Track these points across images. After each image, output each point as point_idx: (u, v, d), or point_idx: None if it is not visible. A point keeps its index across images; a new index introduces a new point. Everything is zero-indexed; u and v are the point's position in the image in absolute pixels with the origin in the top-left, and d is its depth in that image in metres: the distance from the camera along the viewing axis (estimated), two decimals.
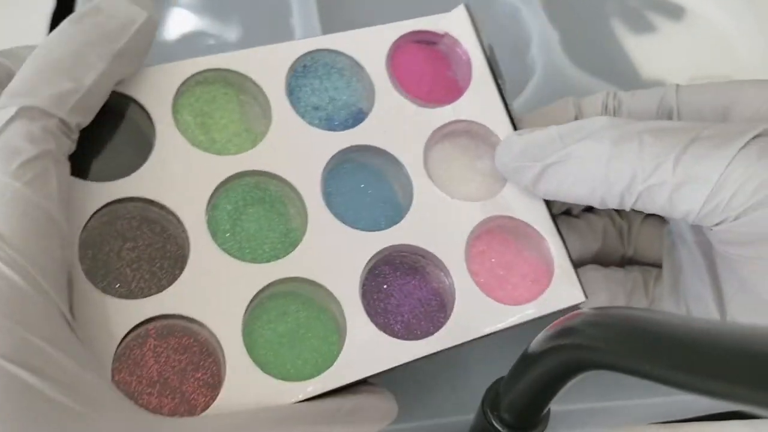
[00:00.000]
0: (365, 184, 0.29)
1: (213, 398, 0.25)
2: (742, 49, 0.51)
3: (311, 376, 0.26)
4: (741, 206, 0.25)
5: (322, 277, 0.27)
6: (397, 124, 0.30)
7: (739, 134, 0.25)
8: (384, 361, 0.26)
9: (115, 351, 0.24)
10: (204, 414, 0.24)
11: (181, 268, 0.26)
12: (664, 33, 0.51)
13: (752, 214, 0.25)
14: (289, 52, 0.30)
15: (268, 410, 0.24)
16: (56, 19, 0.45)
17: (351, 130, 0.29)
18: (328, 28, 0.43)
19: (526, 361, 0.22)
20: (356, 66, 0.31)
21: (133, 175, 0.26)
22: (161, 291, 0.25)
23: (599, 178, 0.27)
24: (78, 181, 0.26)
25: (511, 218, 0.30)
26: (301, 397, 0.25)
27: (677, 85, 0.31)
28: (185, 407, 0.25)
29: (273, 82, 0.29)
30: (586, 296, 0.29)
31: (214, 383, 0.25)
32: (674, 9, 0.53)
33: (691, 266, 0.31)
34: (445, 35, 0.32)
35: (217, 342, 0.25)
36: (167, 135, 0.27)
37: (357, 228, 0.28)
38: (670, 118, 0.31)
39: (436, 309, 0.28)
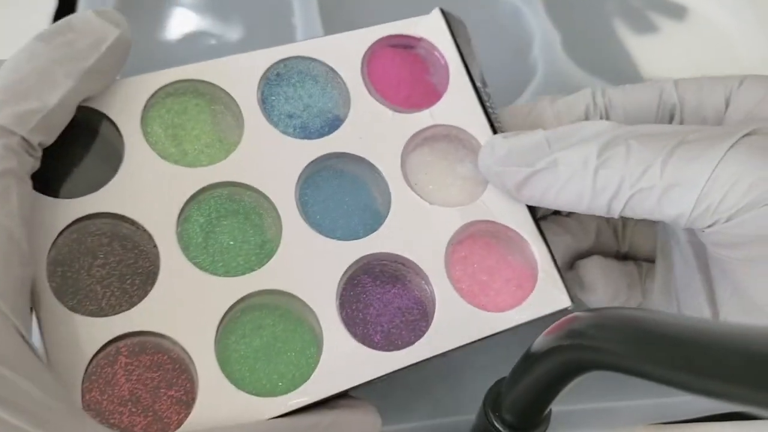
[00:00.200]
0: (342, 192, 0.29)
1: (186, 416, 0.24)
2: (743, 49, 0.50)
3: (288, 390, 0.25)
4: (732, 208, 0.24)
5: (298, 289, 0.27)
6: (373, 130, 0.30)
7: (728, 135, 0.25)
8: (363, 374, 0.26)
9: (86, 370, 0.24)
10: None
11: (153, 284, 0.26)
12: (665, 33, 0.51)
13: (744, 215, 0.24)
14: (262, 60, 0.30)
15: (242, 427, 0.24)
16: (58, 19, 0.45)
17: (326, 138, 0.29)
18: (329, 27, 0.43)
19: (528, 361, 0.22)
20: (331, 72, 0.30)
21: (102, 190, 0.26)
22: (132, 307, 0.25)
23: (586, 186, 0.27)
24: (46, 199, 0.25)
25: (492, 222, 0.29)
26: (278, 412, 0.25)
27: (674, 81, 0.30)
28: (158, 426, 0.24)
29: (245, 91, 0.29)
30: (573, 301, 0.28)
31: (187, 400, 0.25)
32: (676, 9, 0.52)
33: (683, 265, 0.30)
34: (422, 39, 0.32)
35: (190, 358, 0.25)
36: (136, 148, 0.27)
37: (334, 237, 0.28)
38: (672, 115, 0.30)
39: (418, 318, 0.28)
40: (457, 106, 0.31)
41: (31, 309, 0.24)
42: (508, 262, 0.29)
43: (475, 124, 0.31)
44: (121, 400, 0.24)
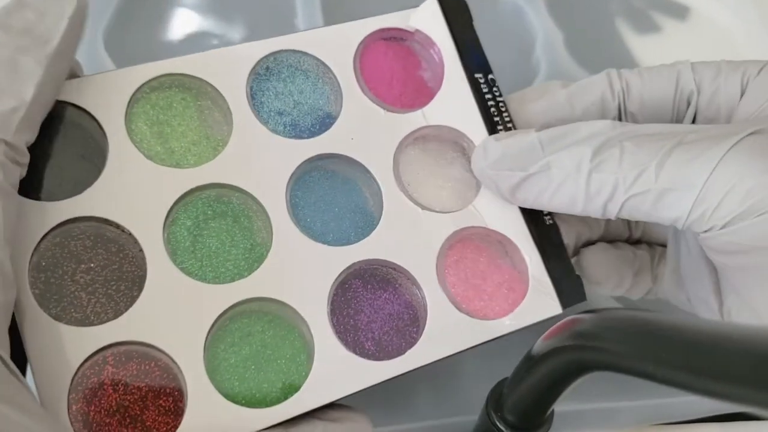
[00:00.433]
0: (333, 194, 0.29)
1: (176, 426, 0.24)
2: (746, 48, 0.51)
3: (278, 400, 0.25)
4: (728, 215, 0.24)
5: (288, 297, 0.26)
6: (366, 130, 0.29)
7: (728, 136, 0.25)
8: (354, 383, 0.26)
9: (72, 380, 0.24)
10: None
11: (140, 290, 0.25)
12: (668, 33, 0.51)
13: (739, 223, 0.24)
14: (251, 53, 0.29)
15: None
16: None
17: (317, 138, 0.28)
18: None
19: (530, 362, 0.23)
20: (322, 67, 0.30)
21: (85, 192, 0.26)
22: (118, 315, 0.25)
23: (580, 190, 0.26)
24: (28, 202, 0.25)
25: (484, 228, 0.29)
26: (268, 423, 0.25)
27: (691, 65, 0.30)
28: None
29: (233, 86, 0.28)
30: (564, 308, 0.29)
31: (176, 410, 0.25)
32: (679, 9, 0.52)
33: (689, 256, 0.30)
34: (416, 32, 0.31)
35: (178, 368, 0.25)
36: (121, 148, 0.26)
37: (325, 242, 0.28)
38: (689, 102, 0.30)
39: (409, 323, 0.28)
40: (451, 104, 0.30)
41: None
42: (498, 265, 0.29)
43: (470, 122, 0.30)
44: (109, 410, 0.24)
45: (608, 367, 0.19)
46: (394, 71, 0.31)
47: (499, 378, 0.27)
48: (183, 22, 0.45)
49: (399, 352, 0.27)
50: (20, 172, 0.23)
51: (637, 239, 0.35)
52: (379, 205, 0.29)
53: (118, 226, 0.26)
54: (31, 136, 0.24)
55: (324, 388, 0.26)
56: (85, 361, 0.24)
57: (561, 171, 0.27)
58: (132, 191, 0.26)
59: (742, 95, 0.29)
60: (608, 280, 0.32)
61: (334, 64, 0.30)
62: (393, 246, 0.28)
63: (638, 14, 0.51)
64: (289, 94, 0.29)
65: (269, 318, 0.27)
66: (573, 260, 0.32)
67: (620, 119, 0.31)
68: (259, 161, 0.28)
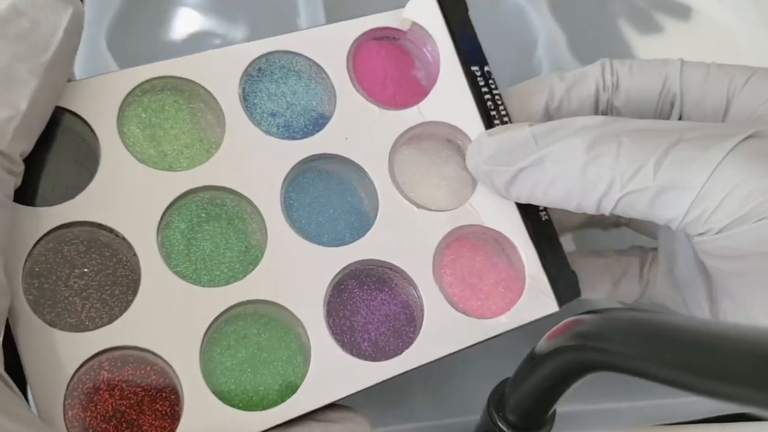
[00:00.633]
0: (328, 194, 0.29)
1: (172, 430, 0.25)
2: (748, 49, 0.51)
3: (275, 403, 0.26)
4: (726, 219, 0.24)
5: (283, 299, 0.27)
6: (360, 129, 0.29)
7: (728, 136, 0.24)
8: (351, 384, 0.26)
9: (67, 386, 0.24)
10: None
11: (134, 294, 0.25)
12: (670, 33, 0.51)
13: (738, 227, 0.24)
14: (243, 54, 0.29)
15: None
16: None
17: (311, 138, 0.29)
18: None
19: (532, 362, 0.23)
20: (315, 67, 0.30)
21: (78, 197, 0.26)
22: (113, 320, 0.25)
23: (575, 184, 0.26)
24: (21, 207, 0.25)
25: (479, 226, 0.29)
26: (265, 426, 0.25)
27: (681, 65, 0.30)
28: None
29: (226, 88, 0.28)
30: (560, 305, 0.29)
31: (173, 414, 0.25)
32: (681, 9, 0.53)
33: (683, 259, 0.30)
34: (409, 31, 0.31)
35: (174, 372, 0.25)
36: (113, 152, 0.26)
37: (320, 243, 0.28)
38: (672, 104, 0.30)
39: (405, 323, 0.28)
40: (448, 98, 0.30)
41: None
42: (494, 263, 0.29)
43: (466, 117, 0.30)
44: (105, 416, 0.24)
45: (610, 367, 0.19)
46: (388, 71, 0.31)
47: (500, 378, 0.27)
48: (185, 22, 0.45)
49: (396, 352, 0.27)
50: (15, 182, 0.23)
51: (625, 223, 0.34)
52: (374, 204, 0.29)
53: (111, 230, 0.26)
54: (27, 146, 0.24)
55: (321, 390, 0.26)
56: (81, 366, 0.24)
57: (555, 165, 0.26)
58: (125, 195, 0.26)
59: (728, 105, 0.29)
60: (587, 293, 0.32)
61: (326, 64, 0.30)
62: (389, 246, 0.28)
63: (640, 14, 0.52)
64: (282, 95, 0.29)
65: (265, 320, 0.27)
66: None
67: (607, 113, 0.31)
68: (253, 163, 0.28)
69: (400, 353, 0.27)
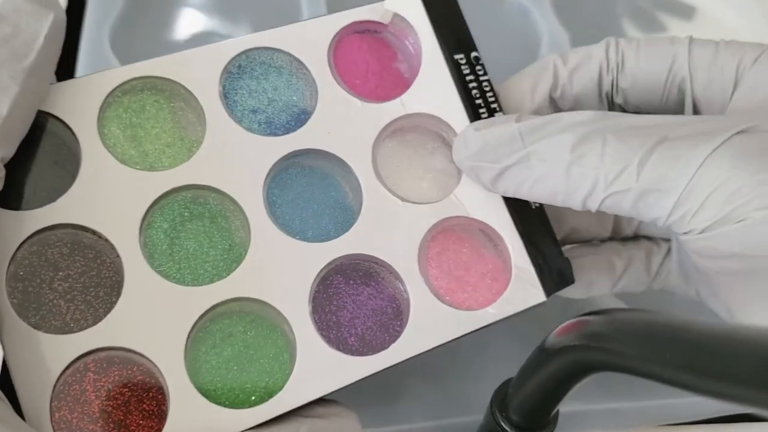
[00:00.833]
0: (311, 190, 0.29)
1: (159, 430, 0.25)
2: None
3: (262, 400, 0.26)
4: (708, 220, 0.24)
5: (268, 295, 0.27)
6: (343, 123, 0.29)
7: (716, 133, 0.24)
8: (338, 380, 0.27)
9: (53, 388, 0.24)
10: None
11: (118, 295, 0.26)
12: (674, 33, 0.51)
13: (717, 230, 0.24)
14: (222, 52, 0.29)
15: None
16: (68, 19, 0.45)
17: (293, 134, 0.29)
18: None
19: (535, 362, 0.23)
20: (296, 63, 0.30)
21: (60, 200, 0.26)
22: (97, 322, 0.25)
23: (560, 184, 0.26)
24: (3, 212, 0.25)
25: (465, 217, 0.29)
26: (251, 423, 0.25)
27: (690, 43, 0.29)
28: None
29: (206, 86, 0.28)
30: (550, 293, 0.29)
31: (159, 414, 0.25)
32: (684, 9, 0.53)
33: (685, 249, 0.30)
34: (390, 24, 0.31)
35: (160, 372, 0.25)
36: (94, 153, 0.27)
37: (305, 239, 0.28)
38: (680, 86, 0.30)
39: (392, 317, 0.28)
40: (430, 91, 0.30)
41: None
42: (481, 255, 0.30)
43: (450, 107, 0.30)
44: (92, 417, 0.25)
45: (614, 367, 0.19)
46: (369, 64, 0.31)
47: (503, 378, 0.27)
48: (189, 22, 0.46)
49: (383, 346, 0.27)
50: None
51: (631, 236, 0.34)
52: (358, 199, 0.29)
53: (94, 232, 0.26)
54: (8, 151, 0.24)
55: (307, 386, 0.26)
56: (66, 368, 0.25)
57: (540, 163, 0.26)
58: (107, 196, 0.26)
59: (735, 87, 0.28)
60: (581, 289, 0.32)
61: (307, 59, 0.30)
62: (374, 240, 0.28)
63: (644, 14, 0.52)
64: (263, 91, 0.29)
65: (251, 318, 0.27)
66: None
67: (612, 94, 0.31)
68: (235, 160, 0.28)
69: (387, 347, 0.27)
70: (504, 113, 0.31)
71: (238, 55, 0.29)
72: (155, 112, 0.28)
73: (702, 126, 0.25)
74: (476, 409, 0.30)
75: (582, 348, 0.20)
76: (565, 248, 0.32)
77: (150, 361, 0.25)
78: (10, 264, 0.25)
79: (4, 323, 0.24)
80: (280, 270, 0.27)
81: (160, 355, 0.25)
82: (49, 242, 0.26)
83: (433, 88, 0.31)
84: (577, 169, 0.26)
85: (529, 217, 0.30)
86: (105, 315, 0.25)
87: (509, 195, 0.29)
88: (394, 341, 0.28)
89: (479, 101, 0.30)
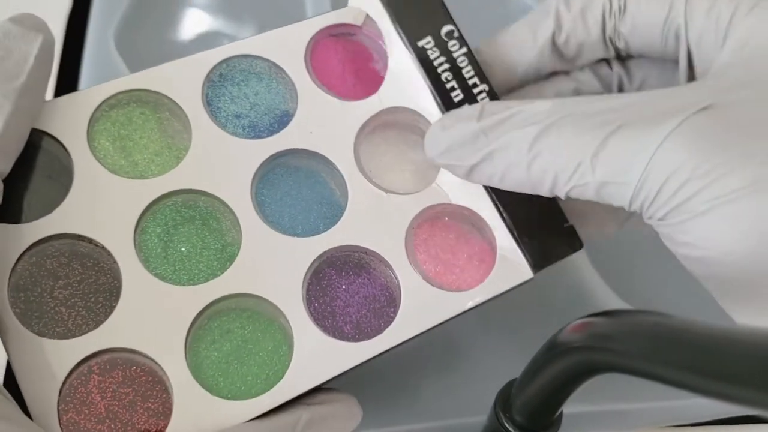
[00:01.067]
0: (299, 188, 0.30)
1: (165, 427, 0.26)
2: None
3: (263, 391, 0.27)
4: (662, 209, 0.24)
5: (263, 290, 0.28)
6: (323, 122, 0.31)
7: (671, 115, 0.24)
8: (336, 366, 0.28)
9: (60, 392, 0.25)
10: None
11: (117, 299, 0.27)
12: None
13: (672, 219, 0.24)
14: (203, 62, 0.30)
15: None
16: (73, 20, 0.47)
17: (276, 135, 0.30)
18: None
19: (540, 363, 0.23)
20: (275, 68, 0.31)
21: (55, 211, 0.27)
22: (99, 325, 0.26)
23: (524, 179, 0.27)
24: (1, 226, 0.26)
25: (449, 204, 0.30)
26: (254, 414, 0.26)
27: None
28: None
29: (189, 95, 0.30)
30: (534, 272, 0.30)
31: (164, 411, 0.26)
32: None
33: None
34: (363, 26, 0.32)
35: (162, 370, 0.26)
36: (86, 165, 0.28)
37: (295, 234, 0.29)
38: (677, 37, 0.29)
39: (386, 304, 0.29)
40: (402, 85, 0.32)
41: None
42: (467, 239, 0.31)
43: (423, 101, 0.31)
44: (99, 418, 0.26)
45: (618, 368, 0.20)
46: (346, 65, 0.32)
47: (507, 379, 0.28)
48: (193, 23, 0.46)
49: (378, 331, 0.28)
50: None
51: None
52: (344, 194, 0.30)
53: (90, 240, 0.27)
54: (5, 167, 0.25)
55: (307, 374, 0.27)
56: (71, 372, 0.26)
57: (503, 160, 0.27)
58: (100, 206, 0.28)
59: (725, 37, 0.27)
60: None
61: (285, 64, 0.31)
62: (361, 231, 0.30)
63: None
64: (245, 97, 0.31)
65: (248, 314, 0.28)
66: None
67: (615, 39, 0.31)
68: (222, 164, 0.29)
69: (382, 332, 0.28)
70: (487, 85, 0.31)
71: (219, 64, 0.31)
72: (142, 123, 0.30)
73: (664, 104, 0.25)
74: (479, 410, 0.31)
75: (587, 349, 0.21)
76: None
77: (152, 360, 0.26)
78: (11, 276, 0.26)
79: (8, 332, 0.25)
80: (273, 265, 0.28)
81: (162, 353, 0.26)
82: (47, 253, 0.27)
83: (404, 82, 0.32)
84: (537, 164, 0.26)
85: (520, 195, 0.30)
86: (105, 319, 0.26)
87: (485, 184, 0.30)
88: (388, 326, 0.29)
89: (451, 83, 0.31)
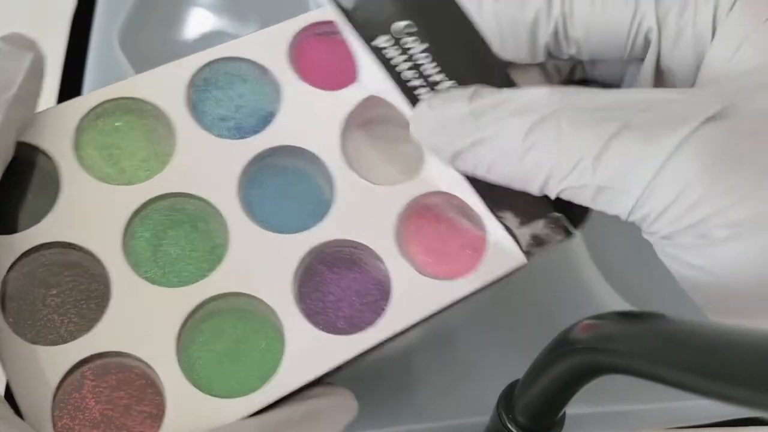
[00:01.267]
0: (286, 186, 0.30)
1: (159, 428, 0.26)
2: None
3: (257, 388, 0.27)
4: (669, 227, 0.22)
5: (253, 288, 0.28)
6: (308, 117, 0.31)
7: (681, 121, 0.22)
8: (330, 360, 0.28)
9: (54, 399, 0.26)
10: None
11: (109, 304, 0.27)
12: None
13: (680, 239, 0.22)
14: (187, 67, 0.31)
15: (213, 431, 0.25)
16: (77, 20, 0.48)
17: (261, 134, 0.30)
18: None
19: (543, 364, 0.23)
20: (259, 69, 0.32)
21: (44, 220, 0.28)
22: (90, 330, 0.27)
23: (515, 172, 0.25)
24: None
25: (438, 193, 0.30)
26: (249, 411, 0.26)
27: None
28: None
29: (174, 101, 0.30)
30: (528, 258, 0.30)
31: (158, 413, 0.26)
32: None
33: None
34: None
35: (155, 372, 0.26)
36: (73, 175, 0.28)
37: (283, 232, 0.29)
38: (647, 38, 0.26)
39: (378, 297, 0.29)
40: (373, 81, 0.31)
41: None
42: (458, 228, 0.31)
43: (394, 97, 0.31)
44: (93, 422, 0.26)
45: (622, 370, 0.19)
46: (330, 63, 0.32)
47: (510, 379, 0.28)
48: (197, 22, 0.47)
49: (371, 325, 0.28)
50: None
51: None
52: (332, 189, 0.30)
53: (80, 248, 0.28)
54: None
55: (300, 370, 0.27)
56: (65, 378, 0.26)
57: (492, 149, 0.25)
58: (88, 213, 0.28)
59: (711, 39, 0.25)
60: None
61: (269, 64, 0.32)
62: (351, 225, 0.30)
63: None
64: (229, 99, 0.31)
65: (240, 314, 0.28)
66: None
67: (559, 46, 0.28)
68: (208, 166, 0.29)
69: (375, 324, 0.28)
70: (455, 81, 0.30)
71: (202, 68, 0.31)
72: (128, 131, 0.30)
73: (668, 109, 0.23)
74: (481, 410, 0.31)
75: (590, 350, 0.21)
76: None
77: (144, 362, 0.27)
78: (2, 286, 0.27)
79: (2, 341, 0.26)
80: (262, 263, 0.28)
81: (153, 355, 0.27)
82: (38, 262, 0.27)
83: (373, 78, 0.31)
84: (530, 159, 0.24)
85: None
86: (96, 323, 0.27)
87: (468, 174, 0.28)
88: (381, 318, 0.28)
89: (417, 81, 0.30)
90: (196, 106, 0.31)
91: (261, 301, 0.28)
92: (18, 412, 0.25)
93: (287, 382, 0.27)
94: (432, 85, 0.30)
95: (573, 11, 0.26)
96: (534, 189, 0.25)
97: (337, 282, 0.29)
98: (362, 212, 0.30)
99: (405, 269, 0.29)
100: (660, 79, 0.28)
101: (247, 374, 0.27)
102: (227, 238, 0.29)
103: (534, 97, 0.25)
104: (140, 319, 0.27)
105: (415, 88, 0.30)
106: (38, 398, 0.26)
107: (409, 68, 0.30)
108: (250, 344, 0.28)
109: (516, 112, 0.25)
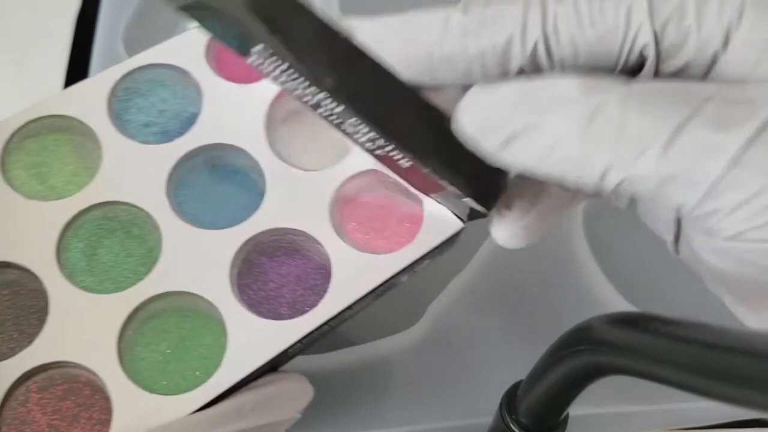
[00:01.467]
0: (215, 183, 0.31)
1: None
2: None
3: (202, 383, 0.27)
4: (740, 225, 0.20)
5: (191, 285, 0.28)
6: (231, 114, 0.31)
7: (751, 115, 0.19)
8: (276, 345, 0.28)
9: (0, 414, 0.26)
10: None
11: (47, 317, 0.27)
12: None
13: (752, 239, 0.20)
14: (107, 79, 0.31)
15: (161, 429, 0.26)
16: (82, 20, 0.48)
17: (186, 136, 0.31)
18: None
19: (546, 365, 0.23)
20: (179, 72, 0.32)
21: None
22: (30, 344, 0.27)
23: (571, 162, 0.22)
24: None
25: (372, 171, 0.31)
26: (196, 406, 0.26)
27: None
28: None
29: (97, 114, 0.31)
30: (464, 222, 0.30)
31: (107, 419, 0.26)
32: None
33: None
34: None
35: (99, 378, 0.26)
36: (3, 196, 0.29)
37: (216, 228, 0.29)
38: (643, 57, 0.23)
39: (321, 280, 0.29)
40: None
41: None
42: (394, 203, 0.31)
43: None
44: None
45: (624, 370, 0.20)
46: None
47: (513, 381, 0.28)
48: None
49: (313, 307, 0.28)
50: None
51: None
52: (263, 180, 0.30)
53: (16, 266, 0.28)
54: None
55: (246, 359, 0.27)
56: (9, 393, 0.26)
57: (548, 137, 0.22)
58: (20, 231, 0.28)
59: (725, 44, 0.22)
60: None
61: (189, 66, 0.32)
62: (285, 213, 0.30)
63: None
64: (152, 105, 0.32)
65: (183, 313, 0.29)
66: None
67: (537, 67, 0.24)
68: (136, 173, 0.30)
69: (317, 306, 0.28)
70: None
71: (122, 78, 0.32)
72: (56, 148, 0.30)
73: (737, 101, 0.20)
74: (485, 412, 0.31)
75: (593, 351, 0.21)
76: None
77: (89, 370, 0.27)
78: None
79: None
80: (198, 260, 0.29)
81: (96, 360, 0.27)
82: None
83: None
84: (589, 146, 0.21)
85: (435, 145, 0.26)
86: (36, 337, 0.27)
87: (516, 171, 0.24)
88: (322, 300, 0.29)
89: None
90: (119, 116, 0.31)
91: (201, 297, 0.28)
92: None
93: (232, 373, 0.27)
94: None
95: (558, 30, 0.24)
96: (591, 180, 0.22)
97: (277, 270, 0.30)
98: (295, 199, 0.30)
99: (344, 249, 0.29)
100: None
101: (193, 371, 0.27)
102: (160, 240, 0.29)
103: (587, 84, 0.22)
104: (80, 328, 0.27)
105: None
106: None
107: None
108: (196, 341, 0.28)
109: (566, 98, 0.22)
